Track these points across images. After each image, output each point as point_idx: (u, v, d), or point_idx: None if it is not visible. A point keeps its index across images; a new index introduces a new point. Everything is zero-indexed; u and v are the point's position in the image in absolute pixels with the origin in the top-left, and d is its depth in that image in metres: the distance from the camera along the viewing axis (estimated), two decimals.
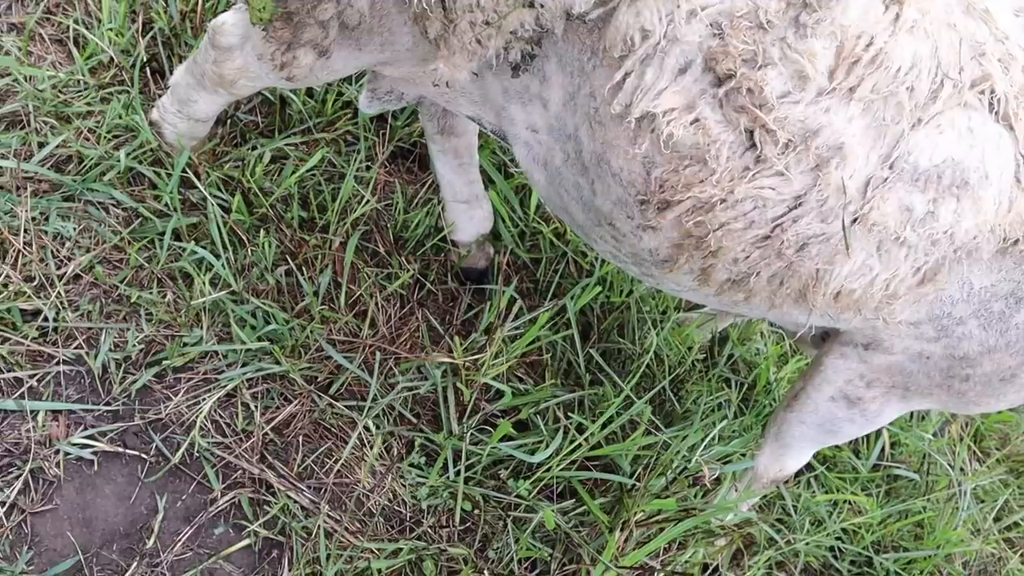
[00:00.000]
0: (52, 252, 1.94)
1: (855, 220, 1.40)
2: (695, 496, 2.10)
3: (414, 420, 2.06)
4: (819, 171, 1.36)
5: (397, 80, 1.87)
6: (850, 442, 2.78)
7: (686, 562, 2.16)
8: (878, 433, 2.82)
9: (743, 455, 2.28)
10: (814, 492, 2.55)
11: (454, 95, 1.73)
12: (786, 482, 2.53)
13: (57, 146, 2.05)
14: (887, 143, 1.36)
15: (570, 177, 1.58)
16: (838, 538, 2.53)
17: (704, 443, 2.16)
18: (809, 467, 2.59)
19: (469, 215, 2.31)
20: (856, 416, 1.89)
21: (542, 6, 1.41)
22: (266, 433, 1.94)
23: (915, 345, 1.66)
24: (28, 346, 1.84)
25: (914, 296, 1.51)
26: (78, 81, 2.17)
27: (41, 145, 2.04)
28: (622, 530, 1.97)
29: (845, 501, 2.57)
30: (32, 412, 1.79)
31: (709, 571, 2.29)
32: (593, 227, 1.64)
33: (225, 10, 2.13)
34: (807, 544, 2.43)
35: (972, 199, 1.40)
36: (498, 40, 1.43)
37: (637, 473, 2.08)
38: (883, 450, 2.79)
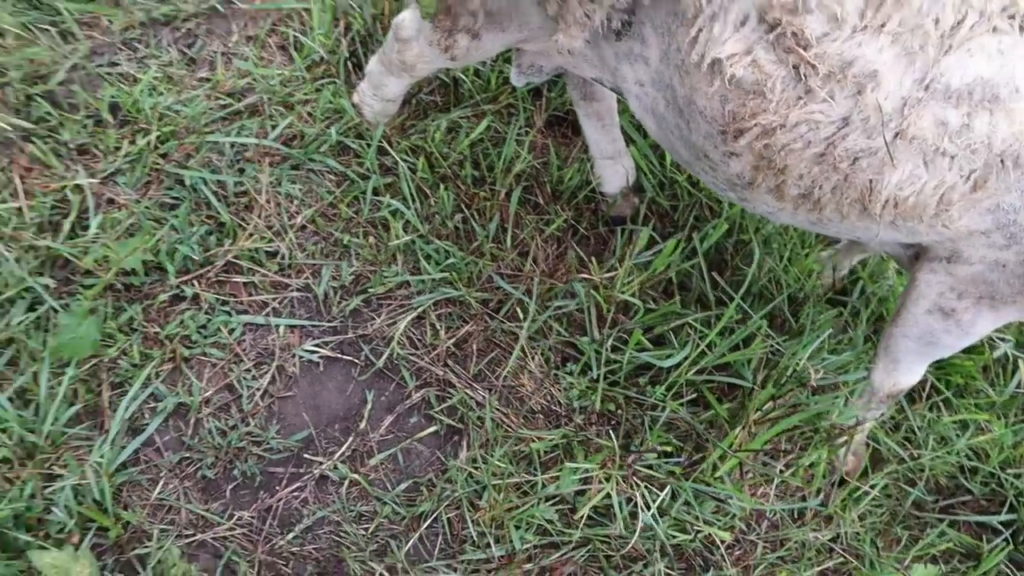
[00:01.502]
0: (284, 208, 2.49)
1: (896, 135, 1.61)
2: (807, 399, 2.37)
3: (566, 334, 2.47)
4: (859, 95, 1.59)
5: (536, 55, 2.25)
6: (985, 372, 2.91)
7: (810, 465, 2.44)
8: (1016, 365, 2.94)
9: (858, 365, 2.52)
10: (941, 415, 2.73)
11: (578, 61, 2.08)
12: (913, 405, 2.72)
13: (285, 127, 2.59)
14: (919, 68, 1.56)
15: (671, 120, 1.89)
16: (966, 456, 2.68)
17: (816, 352, 2.41)
18: (936, 391, 2.77)
19: (614, 169, 2.66)
20: (952, 327, 2.03)
21: None
22: (448, 346, 2.40)
23: (990, 254, 1.81)
24: (271, 278, 2.40)
25: (969, 202, 1.68)
26: (298, 76, 2.72)
27: (273, 127, 2.58)
28: (743, 428, 2.30)
29: (974, 422, 2.72)
30: (275, 326, 2.33)
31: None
32: (695, 161, 1.94)
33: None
34: (933, 460, 2.62)
35: (1004, 111, 1.56)
36: (600, 13, 1.78)
37: (758, 381, 2.39)
38: (1020, 383, 2.90)
